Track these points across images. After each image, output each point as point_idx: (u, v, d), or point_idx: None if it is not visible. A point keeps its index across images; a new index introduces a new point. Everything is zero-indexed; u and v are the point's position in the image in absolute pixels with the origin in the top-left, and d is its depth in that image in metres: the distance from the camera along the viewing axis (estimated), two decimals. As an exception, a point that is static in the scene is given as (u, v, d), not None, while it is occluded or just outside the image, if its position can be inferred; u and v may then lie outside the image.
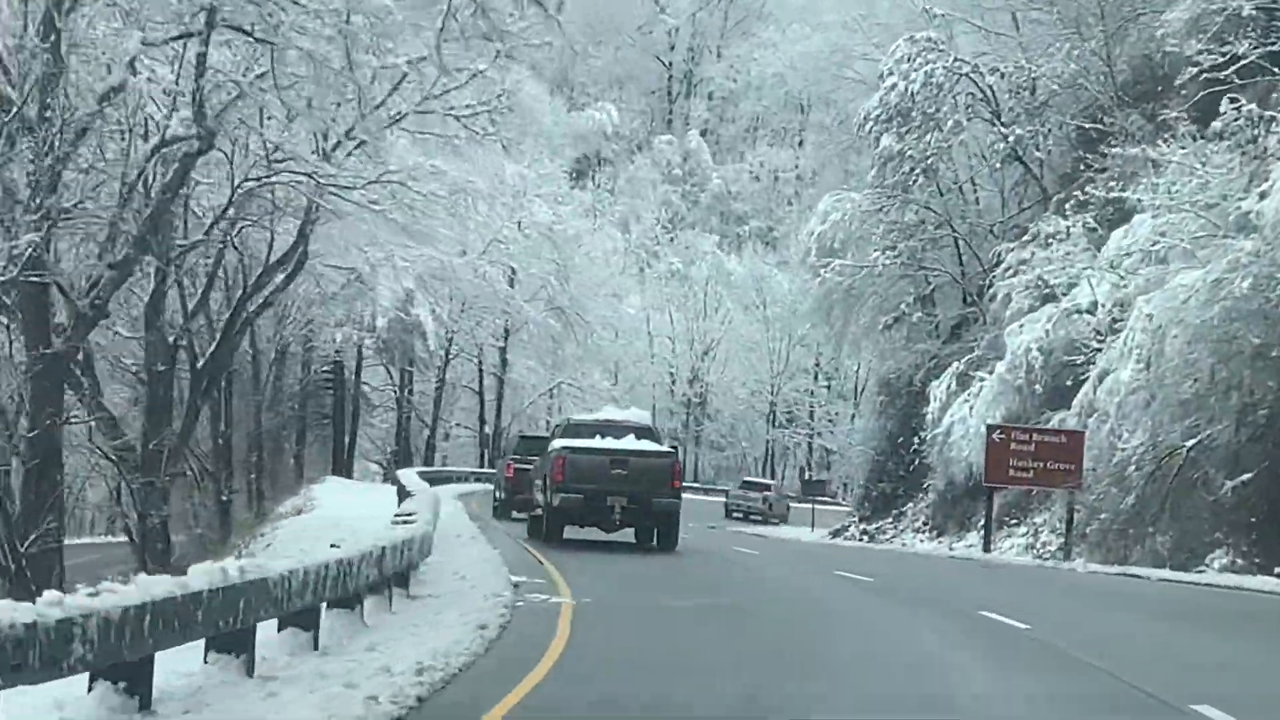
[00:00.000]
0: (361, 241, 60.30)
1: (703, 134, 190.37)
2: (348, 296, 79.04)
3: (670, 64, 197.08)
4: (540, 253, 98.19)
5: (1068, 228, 56.48)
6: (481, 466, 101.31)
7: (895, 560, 47.20)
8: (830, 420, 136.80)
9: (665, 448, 35.38)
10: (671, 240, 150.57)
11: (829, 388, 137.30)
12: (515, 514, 47.24)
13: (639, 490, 33.20)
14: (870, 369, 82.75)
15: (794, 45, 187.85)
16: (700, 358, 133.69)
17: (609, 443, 34.06)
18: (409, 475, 52.25)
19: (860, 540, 73.22)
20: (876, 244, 74.95)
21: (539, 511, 36.86)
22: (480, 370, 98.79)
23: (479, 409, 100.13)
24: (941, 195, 74.94)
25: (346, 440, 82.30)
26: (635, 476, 33.09)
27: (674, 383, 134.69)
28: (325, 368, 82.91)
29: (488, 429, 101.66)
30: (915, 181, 73.16)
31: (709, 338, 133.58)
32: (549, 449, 35.75)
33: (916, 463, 70.64)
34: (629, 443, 33.99)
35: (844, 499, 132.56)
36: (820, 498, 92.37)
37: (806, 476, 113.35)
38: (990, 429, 48.82)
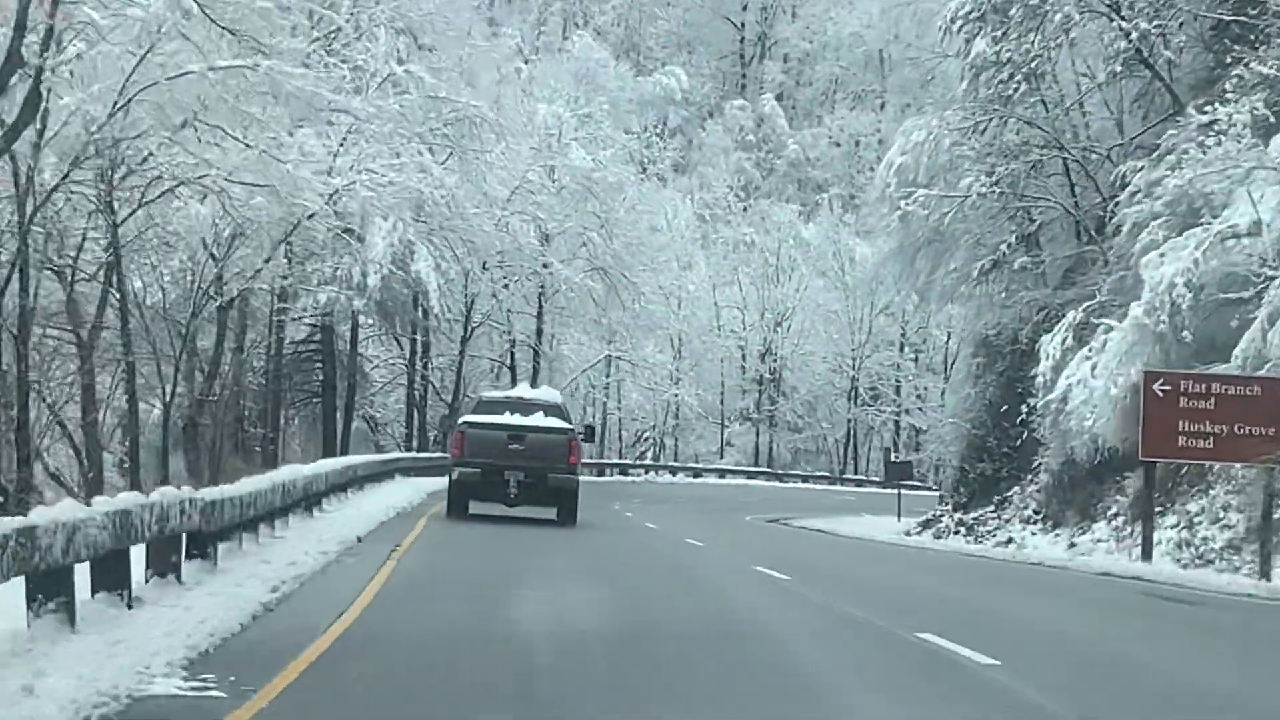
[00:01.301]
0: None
1: (778, 98, 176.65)
2: (336, 248, 64.58)
3: (742, 25, 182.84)
4: (578, 204, 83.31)
5: (1229, 116, 41.16)
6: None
7: (1026, 583, 31.94)
8: (919, 396, 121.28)
9: (563, 424, 34.13)
10: (745, 210, 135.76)
11: (916, 359, 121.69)
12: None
13: (535, 465, 32.86)
14: (964, 327, 67.55)
15: (873, 1, 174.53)
16: (773, 329, 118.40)
17: (508, 418, 33.75)
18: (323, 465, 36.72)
19: (957, 534, 58.54)
20: (969, 170, 59.79)
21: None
22: (512, 343, 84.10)
23: (510, 385, 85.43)
24: (1048, 110, 59.41)
25: (340, 421, 68.04)
26: (532, 452, 32.82)
27: (744, 358, 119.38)
28: (311, 336, 68.44)
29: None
30: (1015, 93, 58.01)
31: (783, 306, 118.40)
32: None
33: (1025, 436, 55.72)
34: (527, 419, 33.41)
35: (934, 482, 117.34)
36: (907, 481, 77.43)
37: (892, 457, 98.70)
38: (1150, 377, 33.52)
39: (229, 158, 39.38)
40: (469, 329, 79.34)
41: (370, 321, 71.00)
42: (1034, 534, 52.59)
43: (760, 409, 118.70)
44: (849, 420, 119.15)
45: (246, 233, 47.93)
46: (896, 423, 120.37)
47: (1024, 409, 53.83)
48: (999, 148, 59.10)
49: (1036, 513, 54.09)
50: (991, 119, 58.86)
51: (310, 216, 52.37)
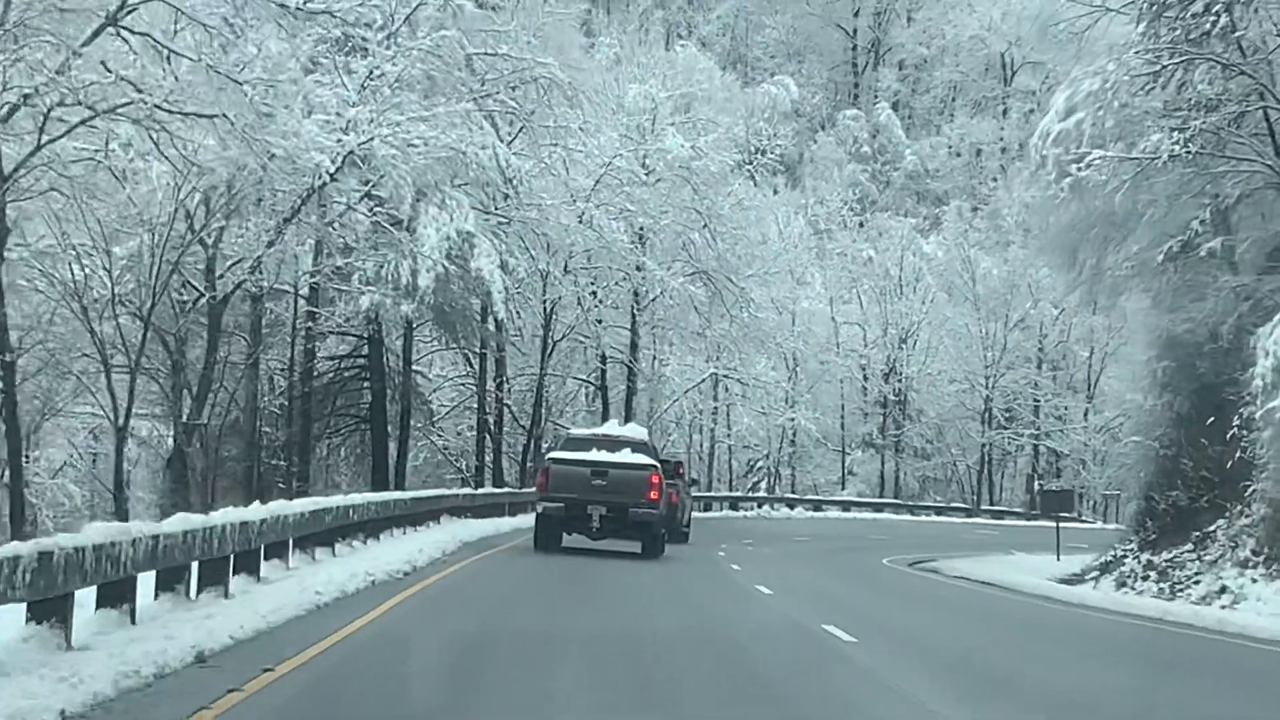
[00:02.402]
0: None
1: (893, 107, 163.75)
2: (379, 242, 52.53)
3: (854, 31, 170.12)
4: (675, 198, 70.76)
5: None
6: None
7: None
8: (1059, 418, 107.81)
9: (646, 460, 33.69)
10: (861, 225, 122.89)
11: (1054, 377, 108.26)
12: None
13: (617, 500, 32.77)
14: (1145, 327, 54.51)
15: (994, 2, 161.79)
16: (897, 346, 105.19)
17: (593, 454, 33.94)
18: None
19: (1146, 579, 46.24)
20: (1153, 128, 47.16)
21: None
22: (602, 359, 71.60)
23: (601, 410, 73.06)
24: (1245, 56, 46.66)
25: (394, 450, 55.88)
26: (614, 487, 32.84)
27: (865, 378, 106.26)
28: (357, 350, 56.24)
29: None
30: (1211, 29, 45.40)
31: (907, 321, 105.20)
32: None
33: (1236, 456, 42.82)
34: (612, 455, 33.71)
35: (1086, 514, 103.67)
36: (1065, 514, 64.47)
37: (1043, 485, 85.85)
38: None
39: (164, 80, 27.20)
40: (550, 343, 66.92)
41: (429, 333, 58.80)
42: (1254, 580, 39.92)
43: (885, 434, 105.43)
44: (982, 445, 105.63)
45: (237, 206, 35.87)
46: (1035, 447, 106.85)
47: (1235, 422, 41.17)
48: (1191, 100, 46.46)
49: (1256, 554, 41.14)
50: (1179, 64, 46.07)
51: (323, 186, 40.27)
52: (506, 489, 56.30)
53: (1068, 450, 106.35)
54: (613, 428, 39.72)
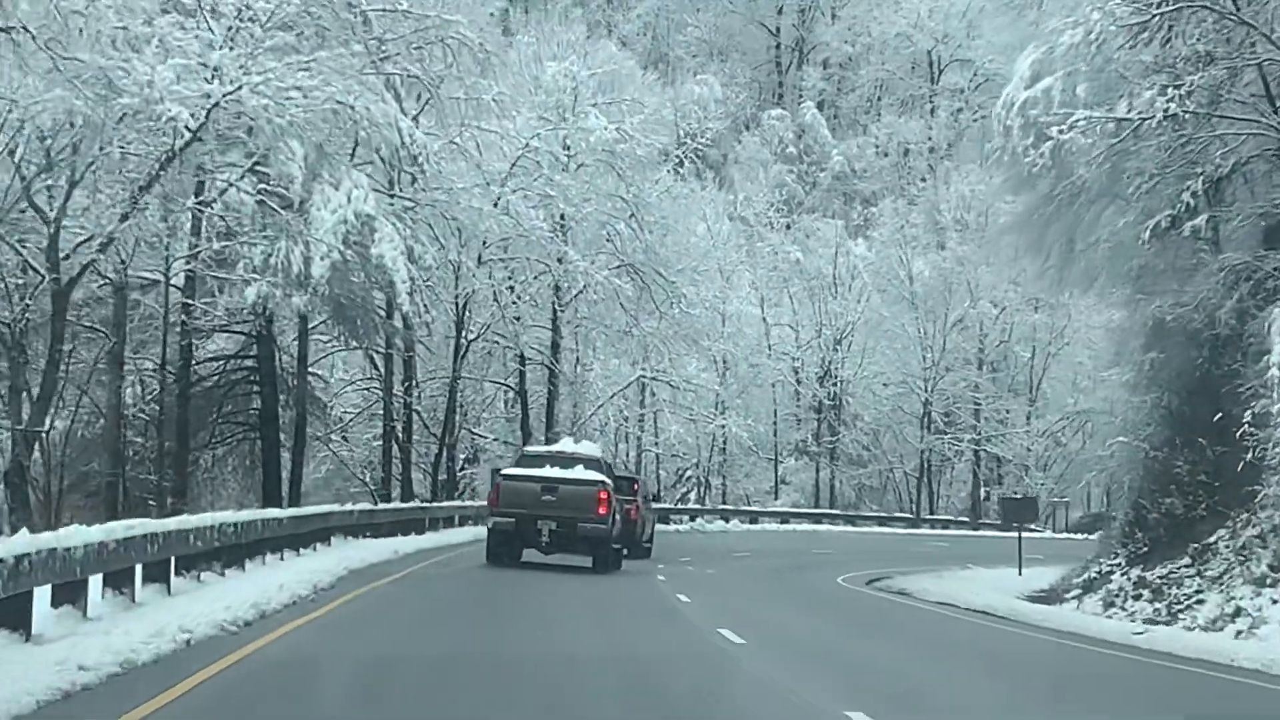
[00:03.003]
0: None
1: (819, 106, 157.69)
2: (268, 225, 46.00)
3: (778, 30, 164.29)
4: (599, 184, 64.23)
5: None
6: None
7: None
8: (1000, 421, 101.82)
9: (595, 476, 33.95)
10: (788, 227, 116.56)
11: (994, 380, 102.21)
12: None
13: (566, 515, 33.10)
14: (1126, 314, 48.24)
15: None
16: (832, 347, 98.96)
17: (543, 470, 34.15)
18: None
19: (1137, 599, 40.72)
20: (1141, 87, 41.39)
21: None
22: (521, 361, 64.99)
23: (521, 417, 66.47)
24: (1239, 8, 40.89)
25: (289, 461, 49.11)
26: (563, 502, 33.07)
27: (799, 381, 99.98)
28: (245, 350, 49.40)
29: (535, 443, 67.82)
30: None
31: (842, 321, 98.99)
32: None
33: (1243, 460, 36.96)
34: (565, 472, 33.92)
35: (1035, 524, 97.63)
36: (1029, 525, 58.39)
37: (1004, 493, 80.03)
38: None
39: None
40: (463, 342, 60.27)
41: (327, 331, 52.05)
42: (1275, 601, 34.17)
43: (820, 441, 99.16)
44: (921, 451, 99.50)
45: (84, 174, 29.16)
46: (976, 452, 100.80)
47: (1246, 419, 35.36)
48: (1181, 55, 40.76)
49: (1275, 569, 35.17)
50: (1169, 13, 40.19)
51: (186, 146, 33.66)
52: (414, 503, 49.65)
53: (1010, 455, 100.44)
54: (567, 445, 39.63)
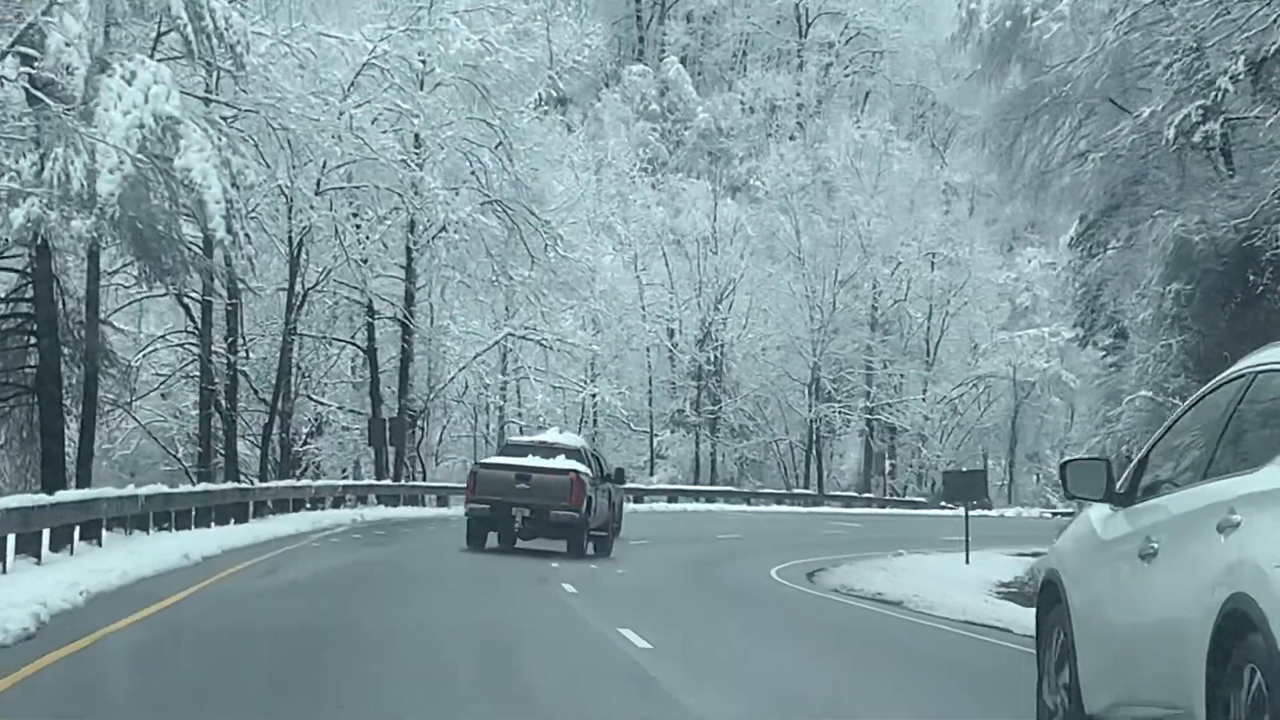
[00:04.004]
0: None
1: (682, 61, 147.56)
2: (40, 128, 35.18)
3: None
4: (461, 106, 53.36)
5: None
6: (380, 476, 56.11)
7: None
8: (895, 388, 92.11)
9: (568, 465, 34.27)
10: (654, 187, 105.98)
11: (886, 343, 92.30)
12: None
13: (540, 503, 33.74)
14: (1153, 235, 37.98)
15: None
16: (713, 308, 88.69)
17: (517, 459, 34.95)
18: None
19: None
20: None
21: None
22: (369, 311, 53.96)
23: (370, 381, 55.51)
24: None
25: (77, 430, 38.06)
26: (537, 490, 33.78)
27: (674, 346, 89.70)
28: (18, 290, 38.17)
29: (386, 413, 56.85)
30: None
31: (722, 279, 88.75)
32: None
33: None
34: (536, 460, 34.44)
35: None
36: (977, 501, 48.50)
37: (950, 466, 70.35)
38: None
39: None
40: (299, 290, 49.30)
41: (128, 272, 40.77)
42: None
43: (700, 410, 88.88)
44: (811, 421, 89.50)
45: None
46: (869, 422, 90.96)
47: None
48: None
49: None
50: None
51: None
52: (230, 485, 38.51)
53: (906, 424, 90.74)
54: (551, 435, 39.40)
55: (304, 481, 47.01)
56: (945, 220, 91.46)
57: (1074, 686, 9.19)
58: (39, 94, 35.22)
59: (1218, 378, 8.75)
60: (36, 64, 35.82)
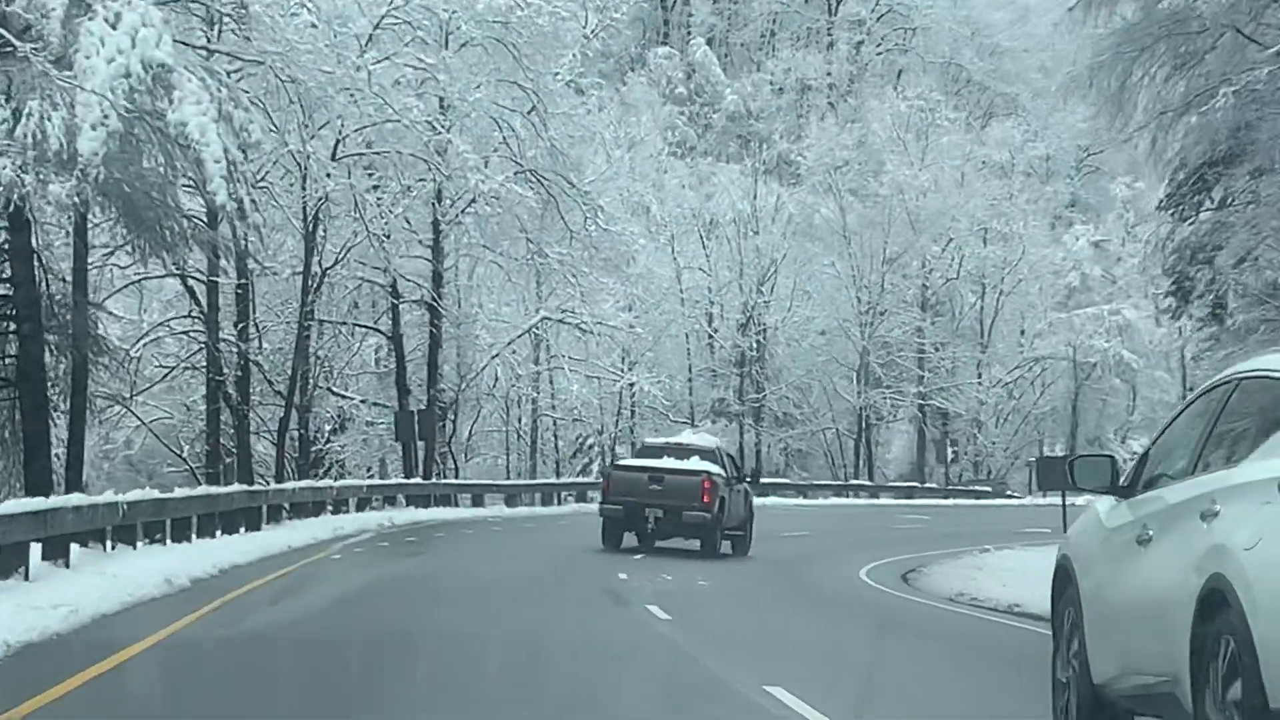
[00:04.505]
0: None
1: (709, 43, 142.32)
2: (12, 78, 30.19)
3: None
4: (488, 67, 48.09)
5: None
6: (409, 475, 50.89)
7: None
8: (948, 371, 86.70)
9: (701, 466, 34.43)
10: (687, 170, 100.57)
11: (935, 324, 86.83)
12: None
13: (672, 503, 34.03)
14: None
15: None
16: (755, 290, 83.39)
17: (651, 461, 35.45)
18: None
19: None
20: None
21: None
22: (393, 292, 48.75)
23: (396, 371, 50.36)
24: None
25: (66, 426, 33.10)
26: (669, 491, 34.08)
27: (714, 331, 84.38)
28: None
29: (415, 405, 51.59)
30: None
31: (764, 261, 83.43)
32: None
33: None
34: (670, 461, 34.86)
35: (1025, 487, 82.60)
36: (1076, 489, 43.72)
37: (1041, 453, 65.28)
38: None
39: None
40: (316, 269, 44.15)
41: (113, 240, 35.59)
42: None
43: (743, 398, 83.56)
44: (860, 408, 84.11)
45: None
46: (921, 407, 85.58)
47: None
48: None
49: None
50: None
51: None
52: (238, 487, 33.23)
53: (962, 409, 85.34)
54: (687, 436, 40.55)
55: (324, 482, 41.66)
56: (999, 192, 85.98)
57: (1083, 659, 10.04)
58: (10, 39, 30.20)
59: (1209, 382, 9.72)
60: (6, 4, 30.94)
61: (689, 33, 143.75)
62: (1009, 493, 74.60)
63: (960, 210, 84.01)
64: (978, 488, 79.41)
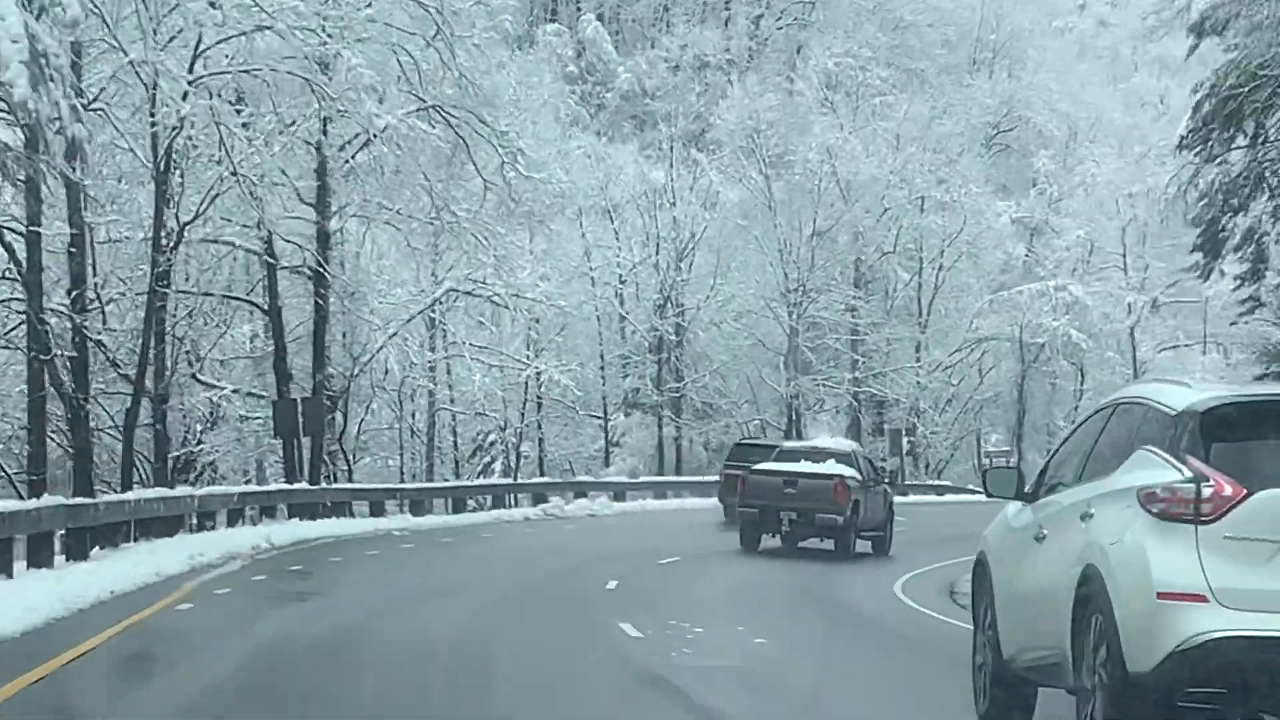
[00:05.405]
0: None
1: (600, 19, 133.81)
2: None
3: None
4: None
5: None
6: (292, 479, 41.08)
7: None
8: (884, 353, 77.85)
9: (835, 470, 34.67)
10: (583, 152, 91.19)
11: (868, 302, 77.93)
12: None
13: (806, 506, 34.50)
14: None
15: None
16: (672, 267, 74.16)
17: (787, 465, 35.83)
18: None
19: None
20: None
21: None
22: (269, 254, 38.93)
23: (275, 350, 40.69)
24: None
25: None
26: (803, 495, 34.54)
27: (625, 311, 74.99)
28: None
29: (298, 392, 41.80)
30: None
31: (682, 234, 74.25)
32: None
33: None
34: (805, 465, 35.31)
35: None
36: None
37: (983, 442, 55.60)
38: None
39: None
40: (173, 223, 34.44)
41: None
42: None
43: (661, 388, 74.24)
44: (789, 398, 74.98)
45: None
46: (856, 395, 76.65)
47: None
48: None
49: None
50: None
51: None
52: (57, 500, 23.44)
53: (899, 396, 76.52)
54: (824, 440, 40.90)
55: (180, 490, 31.81)
56: (938, 159, 77.30)
57: (995, 640, 11.52)
58: None
59: (1098, 404, 11.37)
60: None
61: (579, 9, 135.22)
62: (970, 486, 65.83)
63: (897, 177, 75.32)
64: (942, 482, 71.24)
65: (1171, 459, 9.45)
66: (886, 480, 39.28)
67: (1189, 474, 9.29)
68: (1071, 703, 10.17)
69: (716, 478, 69.57)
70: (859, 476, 35.07)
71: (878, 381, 75.97)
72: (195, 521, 30.88)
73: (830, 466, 34.96)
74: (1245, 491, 9.21)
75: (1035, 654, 10.67)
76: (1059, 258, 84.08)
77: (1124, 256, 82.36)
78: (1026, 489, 11.26)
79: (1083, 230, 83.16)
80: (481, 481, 59.30)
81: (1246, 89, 38.35)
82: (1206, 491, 9.23)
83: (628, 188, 77.05)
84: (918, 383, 76.07)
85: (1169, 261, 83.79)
